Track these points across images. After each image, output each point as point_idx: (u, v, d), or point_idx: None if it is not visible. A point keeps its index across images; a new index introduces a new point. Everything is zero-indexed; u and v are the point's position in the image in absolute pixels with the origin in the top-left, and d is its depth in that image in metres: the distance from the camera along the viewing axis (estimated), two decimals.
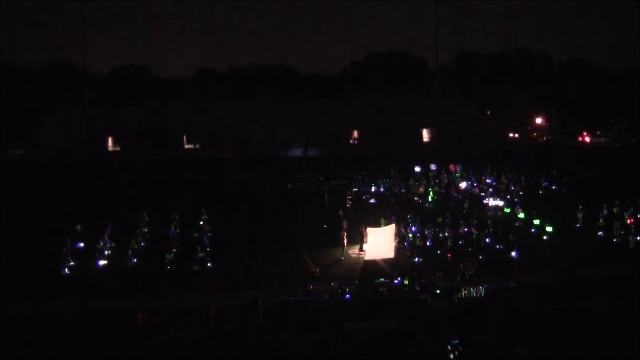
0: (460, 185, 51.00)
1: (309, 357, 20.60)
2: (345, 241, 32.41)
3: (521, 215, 38.78)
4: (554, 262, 29.85)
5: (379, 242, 31.11)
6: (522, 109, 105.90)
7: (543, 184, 51.52)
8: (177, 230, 35.99)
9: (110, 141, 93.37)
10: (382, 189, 51.06)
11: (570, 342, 21.23)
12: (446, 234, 33.49)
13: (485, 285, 25.67)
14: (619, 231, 34.42)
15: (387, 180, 52.20)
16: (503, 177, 51.67)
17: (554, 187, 51.23)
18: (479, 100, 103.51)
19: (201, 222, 37.19)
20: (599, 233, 35.45)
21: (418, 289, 25.92)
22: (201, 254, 30.91)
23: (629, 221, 35.57)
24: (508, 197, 46.32)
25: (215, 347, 21.14)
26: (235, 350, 20.95)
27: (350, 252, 32.44)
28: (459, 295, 25.25)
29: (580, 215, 37.63)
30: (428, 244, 33.03)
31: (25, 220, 40.80)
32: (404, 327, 22.51)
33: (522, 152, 77.00)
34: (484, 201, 44.89)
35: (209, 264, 30.32)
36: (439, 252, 32.09)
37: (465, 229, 34.61)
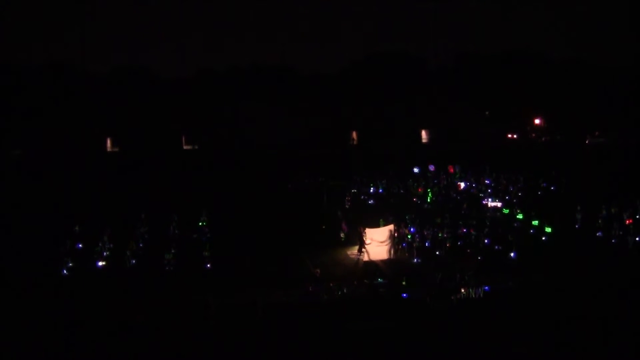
0: (459, 185, 51.05)
1: (308, 357, 20.61)
2: (345, 241, 32.44)
3: (520, 216, 38.84)
4: (553, 263, 29.88)
5: (378, 243, 31.12)
6: (521, 109, 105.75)
7: (542, 185, 51.59)
8: (176, 231, 36.01)
9: (108, 142, 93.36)
10: (380, 190, 51.09)
11: (569, 342, 21.26)
12: (445, 235, 33.52)
13: (484, 286, 25.69)
14: (617, 232, 34.48)
15: (386, 181, 52.23)
16: (502, 178, 51.73)
17: (552, 188, 51.30)
18: (478, 101, 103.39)
19: (200, 223, 37.18)
20: (597, 233, 35.51)
21: (416, 289, 25.95)
22: (205, 254, 30.95)
23: (627, 222, 35.63)
24: (507, 197, 46.37)
25: (214, 347, 21.13)
26: (235, 350, 20.95)
27: (349, 252, 32.45)
28: (458, 296, 25.29)
29: (579, 216, 37.69)
30: (427, 244, 33.08)
31: (24, 220, 40.73)
32: (403, 327, 22.52)
33: (521, 153, 77.01)
34: (483, 202, 44.93)
35: (208, 265, 30.33)
36: (437, 252, 32.13)
37: (464, 230, 34.65)
